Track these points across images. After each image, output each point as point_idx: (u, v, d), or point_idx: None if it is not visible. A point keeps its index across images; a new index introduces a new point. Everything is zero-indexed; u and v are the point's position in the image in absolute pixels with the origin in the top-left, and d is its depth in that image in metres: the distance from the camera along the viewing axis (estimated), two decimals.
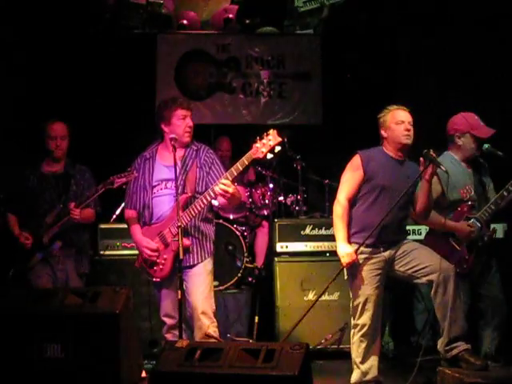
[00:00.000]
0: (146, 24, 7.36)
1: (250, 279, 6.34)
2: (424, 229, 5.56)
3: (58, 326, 3.89)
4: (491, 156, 4.97)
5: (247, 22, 7.55)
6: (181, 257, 4.27)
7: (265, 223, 6.76)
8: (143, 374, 4.24)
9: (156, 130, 4.80)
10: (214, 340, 4.45)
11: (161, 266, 4.54)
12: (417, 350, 5.36)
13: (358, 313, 4.49)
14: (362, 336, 4.47)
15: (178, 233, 4.30)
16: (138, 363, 4.17)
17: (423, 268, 4.46)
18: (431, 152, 4.42)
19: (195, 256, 4.55)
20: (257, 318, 5.88)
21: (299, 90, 7.79)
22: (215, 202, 4.80)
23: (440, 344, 4.50)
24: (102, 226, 6.02)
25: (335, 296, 5.69)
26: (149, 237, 4.59)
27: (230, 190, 4.37)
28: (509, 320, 4.96)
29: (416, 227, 5.67)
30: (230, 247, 6.36)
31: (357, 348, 4.50)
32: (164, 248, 4.54)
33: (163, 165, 4.66)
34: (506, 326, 4.96)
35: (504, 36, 6.08)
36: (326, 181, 6.64)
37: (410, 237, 4.88)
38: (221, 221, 6.32)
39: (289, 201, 6.80)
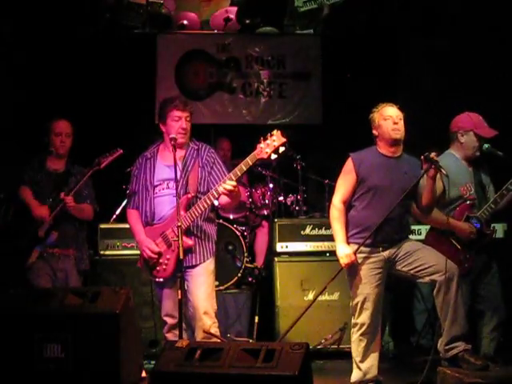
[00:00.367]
0: (146, 24, 7.36)
1: (250, 279, 6.33)
2: (424, 229, 5.56)
3: (58, 326, 3.89)
4: (491, 156, 4.98)
5: (247, 21, 7.55)
6: (181, 257, 4.27)
7: (265, 223, 6.76)
8: (143, 374, 4.24)
9: (156, 129, 4.81)
10: (215, 339, 4.45)
11: (164, 266, 4.54)
12: (417, 350, 5.39)
13: (357, 312, 4.50)
14: (362, 335, 4.48)
15: (178, 233, 4.31)
16: (138, 363, 4.17)
17: (427, 268, 4.47)
18: (432, 155, 4.42)
19: (197, 256, 4.55)
20: (257, 318, 5.88)
21: (299, 89, 7.79)
22: (215, 202, 4.80)
23: (440, 343, 4.50)
24: (102, 226, 6.02)
25: (335, 296, 5.69)
26: (151, 237, 4.58)
27: (235, 189, 4.36)
28: (508, 320, 4.96)
29: (416, 227, 5.67)
30: (230, 247, 6.35)
31: (356, 347, 4.51)
32: (167, 248, 4.54)
33: (164, 164, 4.66)
34: (506, 326, 4.96)
35: (504, 36, 6.09)
36: (326, 181, 6.64)
37: (410, 237, 4.87)
38: (221, 221, 6.32)
39: (289, 201, 6.79)
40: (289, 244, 5.93)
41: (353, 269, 4.51)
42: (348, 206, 4.62)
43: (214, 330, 4.53)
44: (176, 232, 4.40)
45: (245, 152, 4.40)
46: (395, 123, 4.54)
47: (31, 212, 5.08)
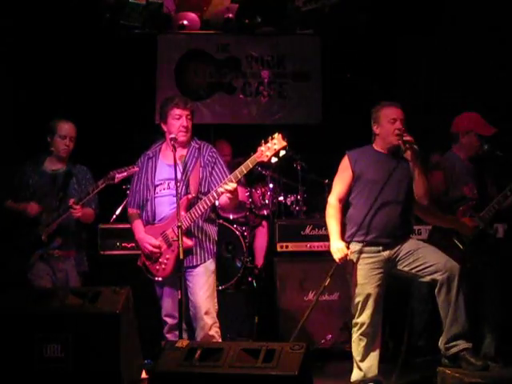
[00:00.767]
0: (146, 24, 7.35)
1: (249, 279, 6.33)
2: (424, 229, 5.56)
3: (58, 326, 3.89)
4: (491, 156, 4.98)
5: (247, 21, 7.55)
6: (181, 257, 4.28)
7: (265, 223, 6.76)
8: (143, 374, 4.24)
9: (156, 129, 4.80)
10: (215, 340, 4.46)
11: (163, 266, 4.55)
12: (417, 350, 5.39)
13: (358, 311, 4.50)
14: (362, 334, 4.49)
15: (178, 233, 4.31)
16: (138, 363, 4.17)
17: (428, 267, 4.47)
18: (406, 138, 4.44)
19: (198, 256, 4.56)
20: (257, 318, 5.88)
21: (299, 89, 7.78)
22: (216, 202, 4.80)
23: (441, 341, 4.51)
24: (102, 226, 6.02)
25: (335, 296, 5.69)
26: (152, 236, 4.59)
27: (235, 191, 4.36)
28: (508, 320, 4.96)
29: (416, 227, 5.66)
30: (230, 247, 6.35)
31: (356, 346, 4.51)
32: (167, 248, 4.54)
33: (166, 164, 4.66)
34: (506, 326, 4.96)
35: (504, 36, 6.09)
36: (326, 181, 6.63)
37: (411, 236, 4.88)
38: (221, 221, 6.31)
39: (289, 201, 6.79)
40: (289, 244, 5.93)
41: (354, 268, 4.50)
42: (346, 204, 4.62)
43: (215, 330, 4.54)
44: (176, 232, 4.41)
45: (245, 152, 4.40)
46: (398, 128, 4.53)
47: (25, 215, 5.01)
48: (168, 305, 4.61)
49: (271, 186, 6.77)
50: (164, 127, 4.68)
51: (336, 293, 5.67)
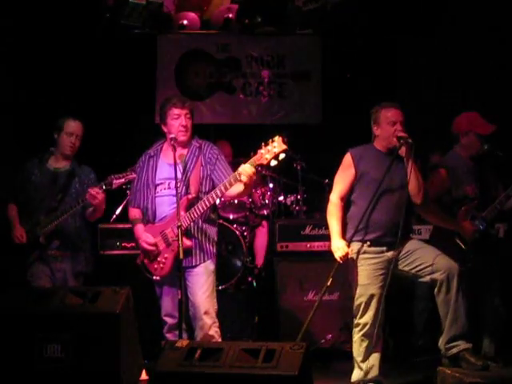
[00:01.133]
0: (146, 24, 7.36)
1: (250, 279, 6.33)
2: (424, 228, 5.56)
3: (58, 326, 3.89)
4: (491, 156, 4.98)
5: (247, 21, 7.55)
6: (181, 257, 4.28)
7: (265, 223, 6.75)
8: (143, 374, 4.24)
9: (156, 129, 4.81)
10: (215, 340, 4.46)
11: (161, 265, 4.55)
12: (417, 350, 5.39)
13: (361, 312, 4.49)
14: (364, 335, 4.47)
15: (177, 233, 4.32)
16: (138, 363, 4.17)
17: (427, 267, 4.47)
18: (401, 134, 4.45)
19: (197, 257, 4.56)
20: (257, 318, 5.88)
21: (299, 89, 7.79)
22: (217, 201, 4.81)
23: (441, 342, 4.51)
24: (102, 225, 6.02)
25: (335, 296, 5.69)
26: (151, 235, 4.59)
27: (254, 175, 4.34)
28: (508, 320, 4.96)
29: (416, 227, 5.66)
30: (230, 247, 6.35)
31: (358, 347, 4.50)
32: (165, 247, 4.54)
33: (167, 163, 4.66)
34: (506, 326, 4.96)
35: (504, 36, 6.09)
36: (326, 181, 6.63)
37: (411, 236, 4.88)
38: (221, 221, 6.31)
39: (289, 201, 6.79)
40: (289, 244, 5.93)
41: (357, 269, 4.50)
42: (347, 202, 4.61)
43: (215, 330, 4.54)
44: (175, 232, 4.41)
45: (245, 152, 4.40)
46: (398, 130, 4.52)
47: (11, 230, 5.03)
48: (168, 304, 4.61)
49: (271, 185, 6.77)
50: (164, 128, 4.68)
51: (336, 292, 5.67)
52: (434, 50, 6.82)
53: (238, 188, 4.44)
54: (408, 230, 4.68)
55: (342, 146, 4.76)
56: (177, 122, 4.60)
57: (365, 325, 4.47)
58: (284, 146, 4.30)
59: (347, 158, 4.63)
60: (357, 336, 4.51)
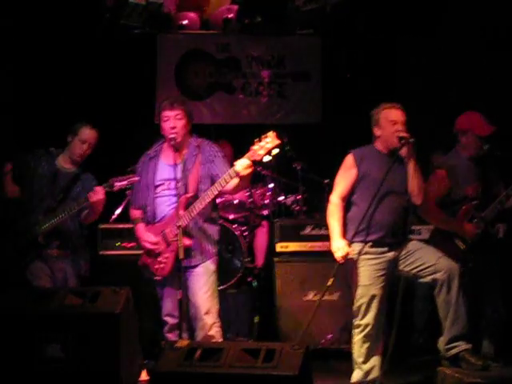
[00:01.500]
0: (146, 24, 7.36)
1: (249, 279, 6.33)
2: (424, 229, 5.56)
3: (58, 326, 3.89)
4: (491, 156, 4.98)
5: (247, 21, 7.55)
6: (180, 257, 4.28)
7: (265, 223, 6.75)
8: (143, 374, 4.24)
9: (156, 129, 4.81)
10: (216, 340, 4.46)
11: (162, 265, 4.55)
12: (417, 350, 5.39)
13: (362, 313, 4.48)
14: (365, 336, 4.47)
15: (177, 233, 4.32)
16: (138, 363, 4.17)
17: (428, 267, 4.47)
18: (403, 134, 4.46)
19: (198, 257, 4.56)
20: (257, 318, 5.88)
21: (299, 89, 7.78)
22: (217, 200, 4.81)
23: (441, 342, 4.51)
24: (102, 226, 6.01)
25: (336, 296, 5.68)
26: (151, 234, 4.59)
27: (251, 168, 4.34)
28: (508, 320, 4.96)
29: (416, 227, 5.66)
30: (230, 247, 6.35)
31: (359, 348, 4.49)
32: (166, 247, 4.55)
33: (166, 164, 4.66)
34: (506, 326, 4.96)
35: (504, 36, 6.09)
36: (326, 181, 6.62)
37: (410, 237, 4.88)
38: (221, 221, 6.30)
39: (289, 201, 6.79)
40: (289, 244, 5.93)
41: (357, 269, 4.50)
42: (348, 203, 4.61)
43: (216, 330, 4.53)
44: (175, 231, 4.41)
45: (245, 152, 4.40)
46: (400, 130, 4.52)
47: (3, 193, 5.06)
48: (168, 305, 4.61)
49: (271, 185, 6.77)
50: (161, 131, 4.69)
51: (336, 293, 5.66)
52: (434, 50, 6.81)
53: (234, 182, 4.45)
54: (409, 231, 4.69)
55: (342, 146, 4.76)
56: (166, 124, 4.60)
57: (366, 326, 4.47)
58: (277, 141, 4.31)
59: (349, 159, 4.62)
60: (358, 337, 4.50)
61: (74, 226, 5.12)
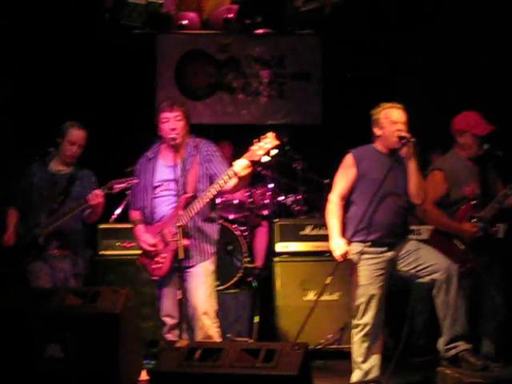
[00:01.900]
0: (146, 24, 7.36)
1: (250, 279, 6.33)
2: (424, 229, 5.55)
3: (58, 326, 3.89)
4: (491, 156, 4.98)
5: (247, 21, 7.55)
6: (181, 256, 4.28)
7: (265, 223, 6.76)
8: (143, 374, 4.24)
9: (156, 130, 4.81)
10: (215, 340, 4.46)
11: (160, 265, 4.55)
12: (417, 350, 5.39)
13: (361, 313, 4.48)
14: (364, 336, 4.47)
15: (177, 232, 4.32)
16: (138, 363, 4.17)
17: (426, 267, 4.47)
18: (404, 134, 4.46)
19: (196, 256, 4.55)
20: (257, 318, 5.88)
21: (299, 89, 7.79)
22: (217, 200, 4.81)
23: (440, 343, 4.51)
24: (102, 226, 6.01)
25: (335, 296, 5.68)
26: (150, 235, 4.59)
27: (249, 168, 4.35)
28: (508, 320, 4.96)
29: (416, 227, 5.65)
30: (230, 247, 6.35)
31: (358, 348, 4.49)
32: (164, 247, 4.54)
33: (164, 165, 4.66)
34: (506, 326, 4.96)
35: (505, 35, 6.08)
36: (326, 181, 6.63)
37: (410, 237, 4.88)
38: (221, 221, 6.30)
39: (289, 201, 6.79)
40: (289, 244, 5.93)
41: (357, 269, 4.50)
42: (347, 202, 4.61)
43: (215, 330, 4.53)
44: (173, 231, 4.41)
45: (245, 152, 4.40)
46: (400, 130, 4.52)
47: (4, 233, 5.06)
48: (167, 305, 4.60)
49: (271, 186, 6.78)
50: (159, 133, 4.70)
51: (336, 292, 5.67)
52: (434, 50, 6.81)
53: (233, 181, 4.46)
54: (407, 231, 4.69)
55: (342, 146, 4.76)
56: (166, 125, 4.60)
57: (365, 325, 4.47)
58: (276, 142, 4.31)
59: (348, 159, 4.63)
60: (357, 337, 4.50)
61: (76, 226, 5.13)
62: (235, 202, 6.50)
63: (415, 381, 4.56)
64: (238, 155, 4.49)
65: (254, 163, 4.50)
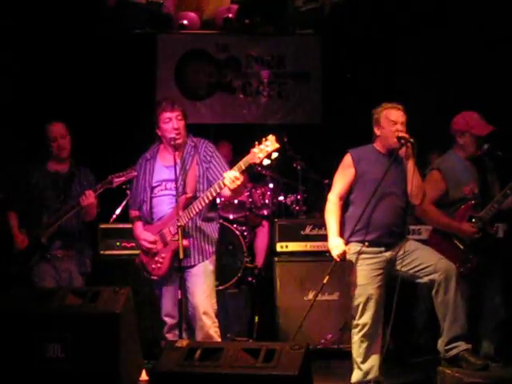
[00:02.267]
0: (146, 24, 7.37)
1: (249, 279, 6.33)
2: (424, 229, 5.56)
3: (58, 326, 3.89)
4: (491, 156, 4.98)
5: (247, 21, 7.55)
6: (181, 257, 4.28)
7: (265, 223, 6.76)
8: (143, 374, 4.24)
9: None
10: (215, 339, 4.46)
11: (159, 265, 4.55)
12: (417, 350, 5.39)
13: (359, 313, 4.48)
14: (363, 336, 4.47)
15: (177, 232, 4.32)
16: (138, 363, 4.17)
17: (425, 267, 4.47)
18: (402, 134, 4.46)
19: (195, 256, 4.55)
20: (257, 318, 5.88)
21: (299, 89, 7.80)
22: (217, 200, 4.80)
23: (440, 343, 4.51)
24: (102, 226, 6.02)
25: (335, 296, 5.69)
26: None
27: (238, 181, 4.35)
28: (508, 320, 4.96)
29: (416, 227, 5.66)
30: (230, 247, 6.35)
31: (357, 348, 4.49)
32: (163, 247, 4.55)
33: (163, 165, 4.66)
34: (506, 326, 4.96)
35: (505, 35, 6.09)
36: (326, 181, 6.63)
37: (410, 237, 4.88)
38: (221, 221, 6.31)
39: (289, 201, 6.79)
40: (289, 244, 5.93)
41: (355, 269, 4.50)
42: (345, 202, 4.61)
43: (214, 330, 4.53)
44: (173, 231, 4.41)
45: (245, 152, 4.39)
46: (399, 130, 4.52)
47: (14, 241, 5.08)
48: (167, 305, 4.61)
49: (271, 186, 6.78)
50: (158, 132, 4.69)
51: (336, 292, 5.67)
52: (434, 50, 6.82)
53: (227, 192, 4.47)
54: (406, 231, 4.69)
55: (342, 146, 4.76)
56: (168, 125, 4.60)
57: (364, 325, 4.47)
58: (277, 145, 4.30)
59: (347, 159, 4.63)
60: (356, 337, 4.50)
61: (77, 226, 5.14)
62: (235, 201, 6.50)
63: (415, 381, 4.56)
64: (238, 155, 4.49)
65: (255, 165, 4.50)
